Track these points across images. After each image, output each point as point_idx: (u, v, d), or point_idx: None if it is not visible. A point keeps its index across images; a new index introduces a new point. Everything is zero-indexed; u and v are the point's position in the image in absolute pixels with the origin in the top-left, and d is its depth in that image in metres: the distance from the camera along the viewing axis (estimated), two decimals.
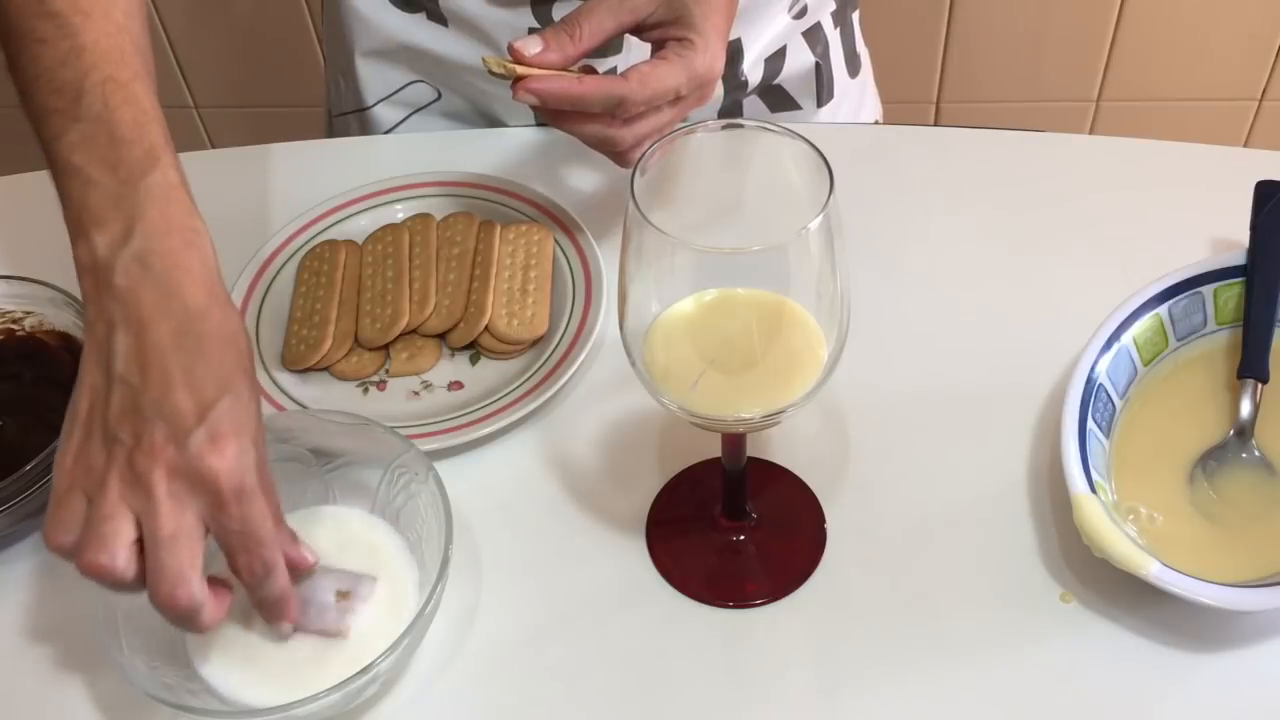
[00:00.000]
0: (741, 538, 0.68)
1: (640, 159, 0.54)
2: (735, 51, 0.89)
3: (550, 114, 0.70)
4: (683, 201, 0.55)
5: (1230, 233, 0.77)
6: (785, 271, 0.53)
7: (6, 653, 0.65)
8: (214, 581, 0.56)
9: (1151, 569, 0.59)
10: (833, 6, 0.95)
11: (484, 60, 0.68)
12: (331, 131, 1.02)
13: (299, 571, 0.59)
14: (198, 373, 0.54)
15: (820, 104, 0.96)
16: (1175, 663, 0.61)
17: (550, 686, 0.63)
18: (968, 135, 0.90)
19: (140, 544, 0.54)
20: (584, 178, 0.87)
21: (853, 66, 0.98)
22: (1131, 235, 0.80)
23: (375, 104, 0.95)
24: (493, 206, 0.83)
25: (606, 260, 0.78)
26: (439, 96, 0.93)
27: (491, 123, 0.93)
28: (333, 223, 0.83)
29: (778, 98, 0.95)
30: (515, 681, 0.63)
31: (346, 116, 0.98)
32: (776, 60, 0.92)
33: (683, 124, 0.56)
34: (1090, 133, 1.68)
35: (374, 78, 0.93)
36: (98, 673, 0.64)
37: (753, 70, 0.91)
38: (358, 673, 0.57)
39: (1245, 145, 1.72)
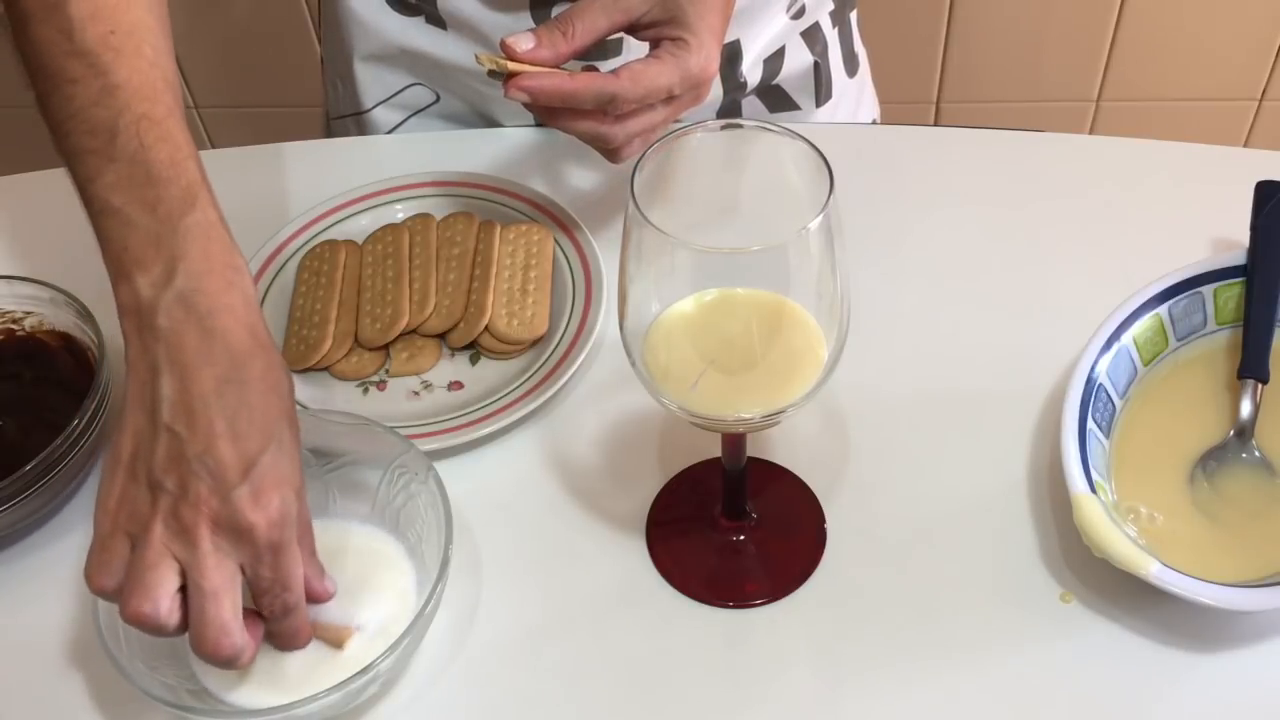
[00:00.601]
0: (741, 538, 0.68)
1: (640, 158, 0.54)
2: (734, 52, 0.89)
3: (543, 111, 0.70)
4: (682, 201, 0.55)
5: (1230, 233, 0.77)
6: (785, 271, 0.53)
7: (7, 653, 0.65)
8: (246, 615, 0.56)
9: (1151, 569, 0.59)
10: (831, 6, 0.95)
11: (477, 57, 0.68)
12: (329, 135, 1.01)
13: (316, 602, 0.60)
14: (241, 423, 0.55)
15: (819, 104, 0.96)
16: (1175, 663, 0.61)
17: (550, 686, 0.63)
18: (968, 135, 0.90)
19: (183, 590, 0.55)
20: (584, 178, 0.87)
21: (851, 66, 0.98)
22: (1131, 235, 0.80)
23: (373, 107, 0.95)
24: (493, 206, 0.83)
25: (606, 260, 0.78)
26: (437, 99, 0.93)
27: (490, 125, 0.93)
28: (333, 223, 0.83)
29: (776, 98, 0.95)
30: (515, 681, 0.63)
31: (345, 119, 0.98)
32: (775, 60, 0.92)
33: (682, 124, 0.56)
34: (1090, 133, 1.68)
35: (372, 81, 0.93)
36: (98, 673, 0.64)
37: (752, 71, 0.91)
38: (358, 673, 0.57)
39: (1245, 145, 1.72)
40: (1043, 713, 0.60)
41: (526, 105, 0.69)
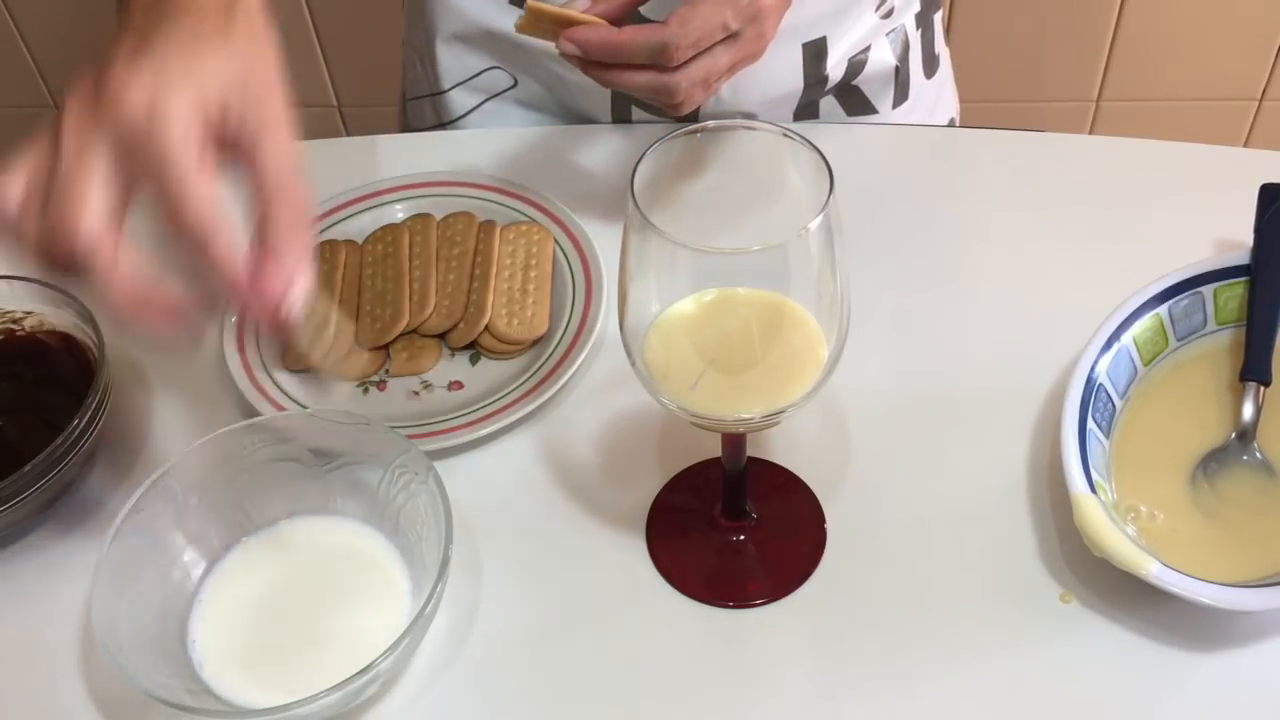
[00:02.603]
0: (741, 538, 0.68)
1: (640, 158, 0.54)
2: (819, 49, 0.88)
3: (596, 69, 0.69)
4: (683, 201, 0.55)
5: (1230, 233, 0.77)
6: (785, 271, 0.53)
7: (7, 652, 0.65)
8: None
9: (1151, 569, 0.59)
10: (917, 8, 0.94)
11: (516, 26, 0.68)
12: (405, 114, 1.02)
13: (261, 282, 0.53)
14: (163, 37, 0.54)
15: (895, 106, 0.96)
16: (1175, 663, 0.61)
17: (550, 686, 0.63)
18: (968, 135, 0.90)
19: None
20: (584, 178, 0.87)
21: (930, 67, 0.98)
22: (1131, 235, 0.80)
23: (451, 88, 0.94)
24: (493, 206, 0.83)
25: (606, 260, 0.78)
26: (515, 84, 0.93)
27: (567, 110, 0.93)
28: (333, 223, 0.83)
29: (854, 99, 0.94)
30: (515, 681, 0.63)
31: (421, 100, 0.98)
32: (860, 58, 0.91)
33: (683, 124, 0.56)
34: (1090, 133, 1.68)
35: (452, 62, 0.93)
36: (98, 673, 0.64)
37: (836, 68, 0.90)
38: (358, 673, 0.57)
39: (1245, 145, 1.72)
40: (1043, 713, 0.60)
41: (578, 62, 0.68)
